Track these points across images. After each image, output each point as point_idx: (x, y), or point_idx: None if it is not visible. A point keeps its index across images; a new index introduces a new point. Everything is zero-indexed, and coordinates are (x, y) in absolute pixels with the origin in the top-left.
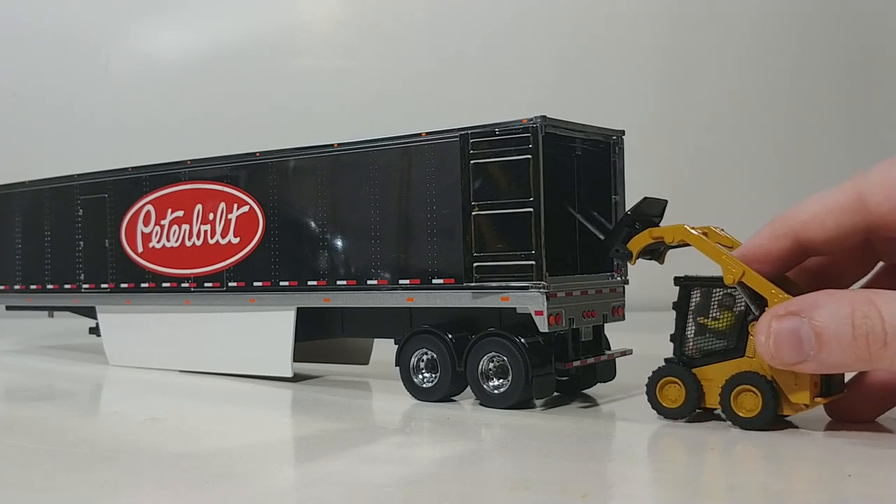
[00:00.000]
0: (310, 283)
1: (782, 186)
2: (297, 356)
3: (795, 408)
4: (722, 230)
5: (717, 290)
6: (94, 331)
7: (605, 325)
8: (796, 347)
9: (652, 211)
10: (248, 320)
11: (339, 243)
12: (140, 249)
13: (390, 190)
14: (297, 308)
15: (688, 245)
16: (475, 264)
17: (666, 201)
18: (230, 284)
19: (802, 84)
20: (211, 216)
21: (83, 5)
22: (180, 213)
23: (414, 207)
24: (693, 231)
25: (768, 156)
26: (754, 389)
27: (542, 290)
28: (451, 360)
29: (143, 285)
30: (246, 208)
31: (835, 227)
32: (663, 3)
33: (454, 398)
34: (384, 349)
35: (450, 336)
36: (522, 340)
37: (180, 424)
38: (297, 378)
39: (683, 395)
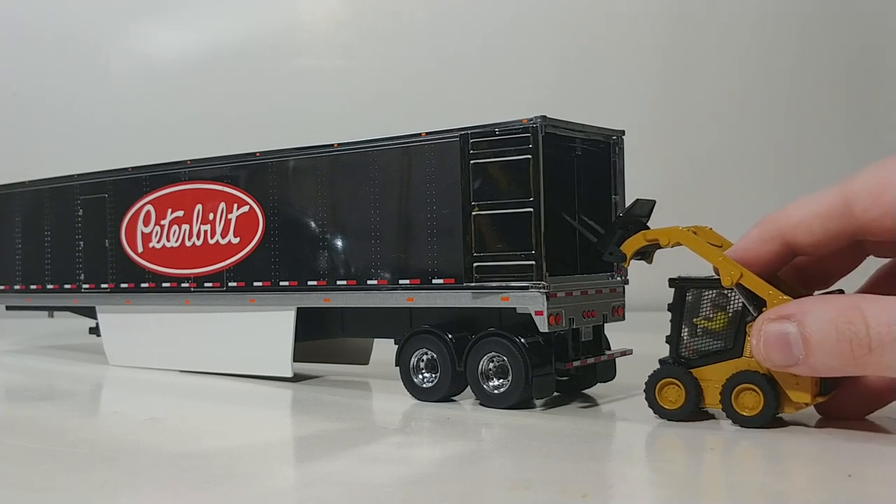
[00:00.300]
0: (310, 283)
1: (782, 186)
2: (297, 356)
3: (797, 406)
4: (710, 229)
5: (712, 290)
6: (94, 331)
7: (605, 325)
8: (785, 351)
9: (642, 212)
10: (248, 320)
11: (339, 243)
12: (140, 249)
13: (390, 190)
14: (297, 308)
15: (680, 245)
16: (475, 264)
17: (654, 202)
18: (230, 284)
19: (802, 84)
20: (211, 216)
21: (83, 5)
22: (180, 213)
23: (414, 207)
24: (688, 233)
25: (768, 156)
26: (755, 388)
27: (542, 290)
28: (451, 360)
29: (143, 285)
30: (246, 208)
31: (822, 231)
32: (663, 3)
33: (454, 398)
34: (384, 349)
35: (450, 336)
36: (522, 340)
37: (180, 424)
38: (297, 378)
39: (683, 396)
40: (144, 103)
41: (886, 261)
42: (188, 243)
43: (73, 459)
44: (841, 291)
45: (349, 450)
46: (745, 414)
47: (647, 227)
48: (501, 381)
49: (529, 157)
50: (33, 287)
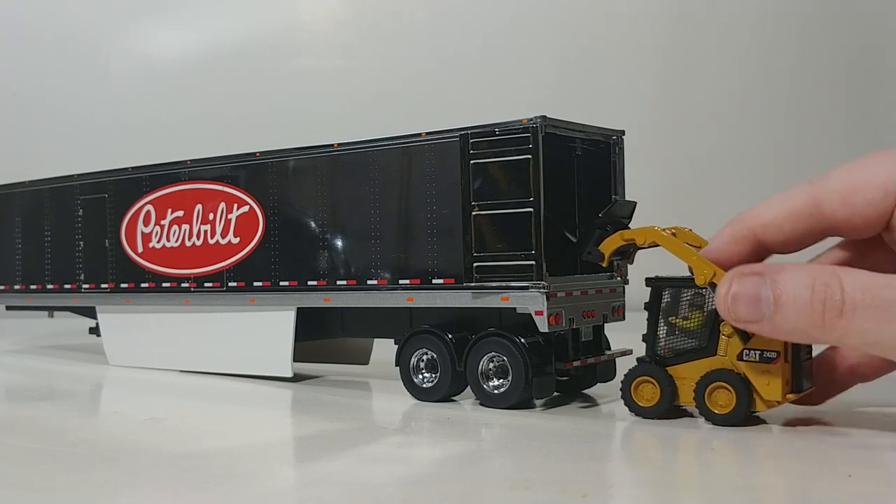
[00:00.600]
0: (310, 283)
1: (782, 186)
2: (297, 356)
3: (768, 404)
4: (690, 230)
5: (688, 290)
6: (94, 331)
7: (605, 325)
8: (754, 306)
9: (622, 213)
10: (248, 320)
11: (339, 243)
12: (140, 249)
13: (390, 190)
14: (297, 308)
15: (657, 246)
16: (475, 264)
17: (635, 203)
18: (230, 284)
19: (802, 84)
20: (211, 216)
21: (83, 5)
22: (180, 213)
23: (414, 207)
24: (664, 233)
25: (768, 156)
26: (728, 386)
27: (542, 290)
28: (451, 360)
29: (143, 285)
30: (246, 208)
31: (792, 231)
32: (663, 3)
33: (454, 398)
34: (384, 349)
35: (450, 336)
36: (522, 340)
37: (180, 424)
38: (297, 378)
39: (658, 394)
40: (144, 103)
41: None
42: (188, 243)
43: (73, 459)
44: None
45: (349, 450)
46: (717, 412)
47: (627, 228)
48: (501, 381)
49: (529, 157)
50: (33, 287)
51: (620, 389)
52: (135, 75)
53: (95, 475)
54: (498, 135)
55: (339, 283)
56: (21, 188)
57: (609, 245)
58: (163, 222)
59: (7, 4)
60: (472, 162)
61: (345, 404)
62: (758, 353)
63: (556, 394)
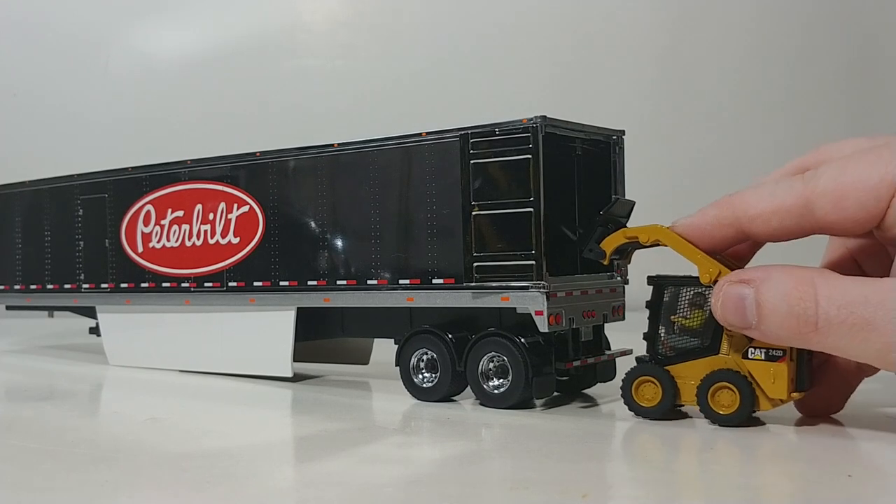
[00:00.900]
0: (310, 283)
1: None
2: (297, 356)
3: (773, 402)
4: None
5: (689, 288)
6: (94, 331)
7: (605, 324)
8: (741, 315)
9: (621, 212)
10: (248, 320)
11: (339, 243)
12: (140, 249)
13: (390, 190)
14: (297, 308)
15: (659, 244)
16: (475, 264)
17: (633, 202)
18: (230, 284)
19: (802, 83)
20: (211, 216)
21: (83, 5)
22: (180, 213)
23: (414, 207)
24: (668, 231)
25: (768, 155)
26: (732, 387)
27: (542, 290)
28: (451, 360)
29: (143, 285)
30: (246, 208)
31: (779, 226)
32: (663, 3)
33: (454, 398)
34: (384, 349)
35: (450, 336)
36: (522, 340)
37: (180, 424)
38: (297, 378)
39: (660, 394)
40: (144, 103)
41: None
42: (188, 243)
43: (73, 459)
44: None
45: (349, 450)
46: (721, 412)
47: (625, 227)
48: (501, 381)
49: (529, 157)
50: (33, 287)
51: (621, 389)
52: (135, 75)
53: (95, 475)
54: (498, 135)
55: (339, 283)
56: (21, 188)
57: (611, 243)
58: (163, 222)
59: (7, 4)
60: (472, 162)
61: (345, 404)
62: (763, 351)
63: (556, 394)
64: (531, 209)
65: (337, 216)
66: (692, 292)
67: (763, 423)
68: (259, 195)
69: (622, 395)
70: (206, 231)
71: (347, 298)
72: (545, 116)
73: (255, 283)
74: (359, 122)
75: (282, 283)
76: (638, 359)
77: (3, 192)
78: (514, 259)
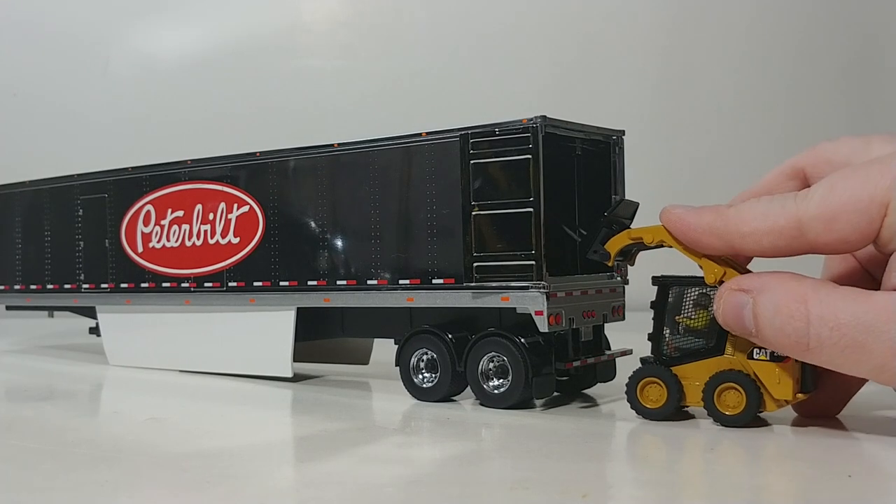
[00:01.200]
0: (310, 283)
1: None
2: (297, 356)
3: (778, 403)
4: None
5: (694, 289)
6: (94, 331)
7: (605, 325)
8: (740, 322)
9: (625, 213)
10: (248, 320)
11: (339, 243)
12: (140, 249)
13: (390, 190)
14: (297, 308)
15: (663, 245)
16: (475, 264)
17: (637, 204)
18: (230, 284)
19: (802, 83)
20: (211, 216)
21: (83, 5)
22: (180, 213)
23: (414, 207)
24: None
25: (768, 155)
26: (738, 387)
27: (542, 290)
28: (451, 360)
29: (143, 285)
30: (246, 208)
31: (771, 247)
32: (663, 3)
33: (454, 398)
34: (384, 349)
35: (450, 336)
36: (522, 340)
37: (181, 424)
38: (297, 378)
39: (665, 396)
40: (145, 103)
41: None
42: (188, 243)
43: (73, 459)
44: None
45: (349, 450)
46: (727, 413)
47: (630, 228)
48: (501, 381)
49: (529, 157)
50: (33, 287)
51: (626, 391)
52: (135, 75)
53: (95, 475)
54: (498, 135)
55: (339, 283)
56: (21, 188)
57: (615, 244)
58: (163, 222)
59: (7, 4)
60: (472, 162)
61: (345, 404)
62: (768, 351)
63: (556, 394)
64: (531, 209)
65: (337, 216)
66: (697, 293)
67: (768, 424)
68: (259, 195)
69: (627, 397)
70: (206, 231)
71: (347, 298)
72: (545, 116)
73: (255, 283)
74: (359, 122)
75: (282, 283)
76: (642, 360)
77: (3, 192)
78: (514, 259)
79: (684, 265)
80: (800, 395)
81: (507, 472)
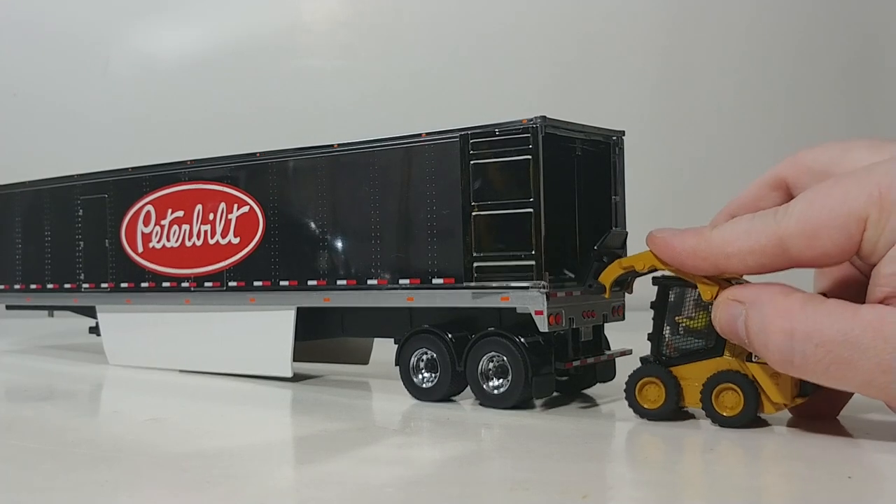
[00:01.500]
0: (310, 282)
1: None
2: (297, 356)
3: (776, 406)
4: None
5: (694, 290)
6: (94, 330)
7: (605, 325)
8: (734, 333)
9: (614, 244)
10: (248, 320)
11: (339, 243)
12: (140, 249)
13: (390, 190)
14: (297, 308)
15: (656, 270)
16: (475, 264)
17: (626, 233)
18: (230, 284)
19: (802, 84)
20: (211, 216)
21: (83, 5)
22: (180, 214)
23: (414, 207)
24: None
25: (768, 155)
26: (736, 388)
27: (542, 290)
28: (450, 359)
29: (143, 285)
30: (246, 208)
31: (756, 265)
32: (663, 3)
33: (454, 398)
34: (384, 349)
35: (450, 336)
36: (522, 340)
37: (181, 424)
38: (297, 378)
39: (663, 396)
40: (145, 103)
41: None
42: (188, 243)
43: (73, 459)
44: None
45: (349, 450)
46: (725, 414)
47: (621, 258)
48: (501, 381)
49: (529, 157)
50: (33, 287)
51: (625, 391)
52: (135, 75)
53: (95, 475)
54: (498, 135)
55: (339, 282)
56: (21, 188)
57: (609, 275)
58: (163, 222)
59: (7, 4)
60: (472, 162)
61: (345, 404)
62: None
63: (556, 394)
64: (531, 209)
65: (337, 216)
66: (697, 293)
67: (768, 424)
68: (259, 195)
69: (626, 397)
70: (206, 231)
71: (347, 298)
72: (545, 117)
73: (255, 283)
74: (359, 123)
75: (282, 283)
76: (642, 359)
77: (3, 192)
78: (514, 259)
79: None
80: (798, 399)
81: (507, 472)
